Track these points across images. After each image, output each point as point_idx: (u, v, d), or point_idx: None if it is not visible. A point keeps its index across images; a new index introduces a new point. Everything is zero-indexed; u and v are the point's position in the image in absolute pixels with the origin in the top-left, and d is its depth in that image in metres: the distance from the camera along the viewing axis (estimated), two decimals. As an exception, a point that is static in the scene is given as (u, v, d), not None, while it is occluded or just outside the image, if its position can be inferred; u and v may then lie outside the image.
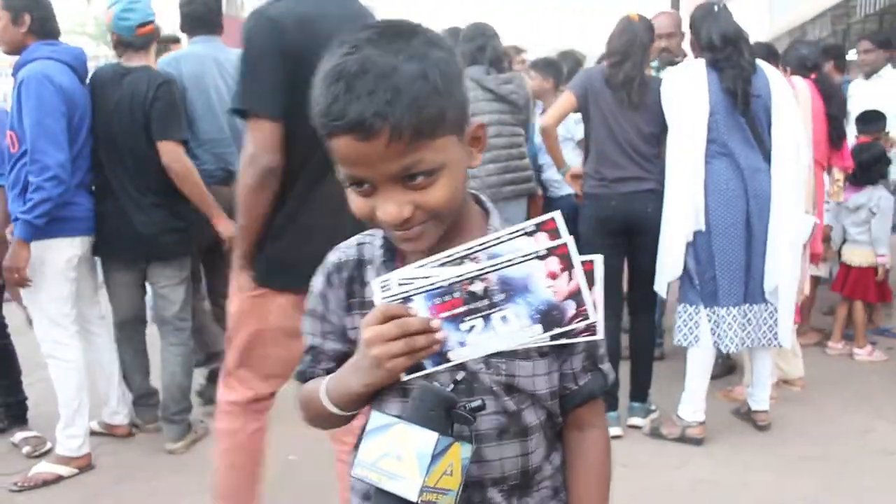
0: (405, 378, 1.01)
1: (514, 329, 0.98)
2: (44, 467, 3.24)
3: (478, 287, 0.96)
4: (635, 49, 3.56)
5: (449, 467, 0.94)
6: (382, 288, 0.98)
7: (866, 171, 4.66)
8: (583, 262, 0.97)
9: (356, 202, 1.01)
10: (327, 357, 1.16)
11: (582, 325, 0.98)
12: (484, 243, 0.97)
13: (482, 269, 0.95)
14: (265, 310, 2.19)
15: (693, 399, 3.55)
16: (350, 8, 2.18)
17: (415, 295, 0.97)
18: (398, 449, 0.94)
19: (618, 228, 3.56)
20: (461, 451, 0.96)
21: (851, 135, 4.89)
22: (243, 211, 2.13)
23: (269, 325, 2.20)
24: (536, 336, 0.98)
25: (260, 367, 2.27)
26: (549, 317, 0.97)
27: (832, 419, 3.82)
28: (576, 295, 0.97)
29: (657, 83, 3.62)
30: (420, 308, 0.97)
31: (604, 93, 3.57)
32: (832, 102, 4.21)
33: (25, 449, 3.47)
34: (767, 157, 3.42)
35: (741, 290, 3.43)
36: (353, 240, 1.16)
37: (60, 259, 3.20)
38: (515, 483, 1.09)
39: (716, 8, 3.53)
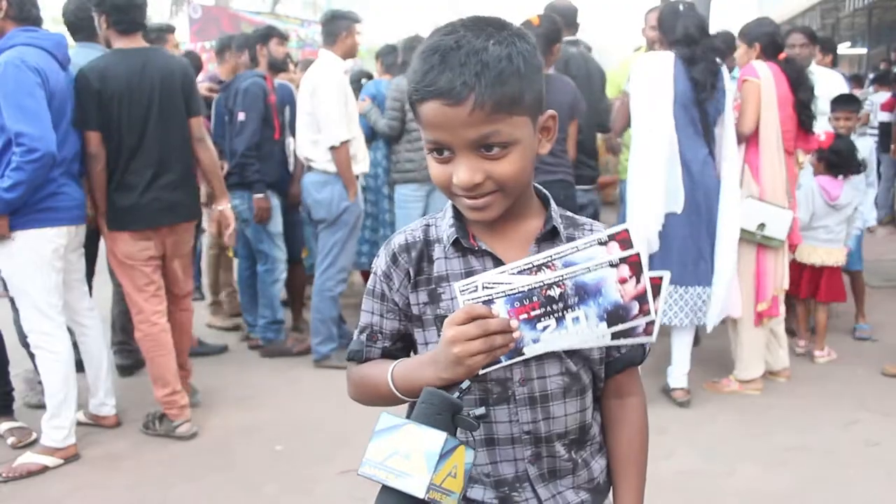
0: (482, 372, 1.09)
1: (583, 328, 1.07)
2: (29, 458, 3.23)
3: (555, 292, 1.04)
4: None
5: (453, 469, 0.98)
6: (464, 290, 1.06)
7: (847, 162, 4.50)
8: (652, 278, 1.08)
9: (435, 169, 1.11)
10: (384, 336, 1.24)
11: (642, 321, 1.08)
12: (561, 252, 1.06)
13: (561, 275, 1.04)
14: (116, 242, 3.48)
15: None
16: (148, 65, 3.43)
17: (497, 298, 1.05)
18: (407, 448, 0.98)
19: None
20: (465, 456, 1.00)
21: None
22: (91, 180, 3.42)
23: (119, 253, 3.48)
24: (602, 332, 1.08)
25: (131, 282, 3.50)
26: (615, 315, 1.07)
27: (817, 411, 3.84)
28: (640, 296, 1.06)
29: (561, 81, 3.85)
30: (500, 310, 1.05)
31: None
32: (801, 87, 4.04)
33: (10, 440, 3.45)
34: (711, 151, 3.73)
35: (684, 272, 3.69)
36: (418, 222, 1.24)
37: (47, 249, 3.18)
38: (574, 437, 1.22)
39: (681, 7, 3.75)
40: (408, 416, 1.04)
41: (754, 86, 3.93)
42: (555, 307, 1.05)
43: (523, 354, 1.09)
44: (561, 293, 1.04)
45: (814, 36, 5.41)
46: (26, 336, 3.33)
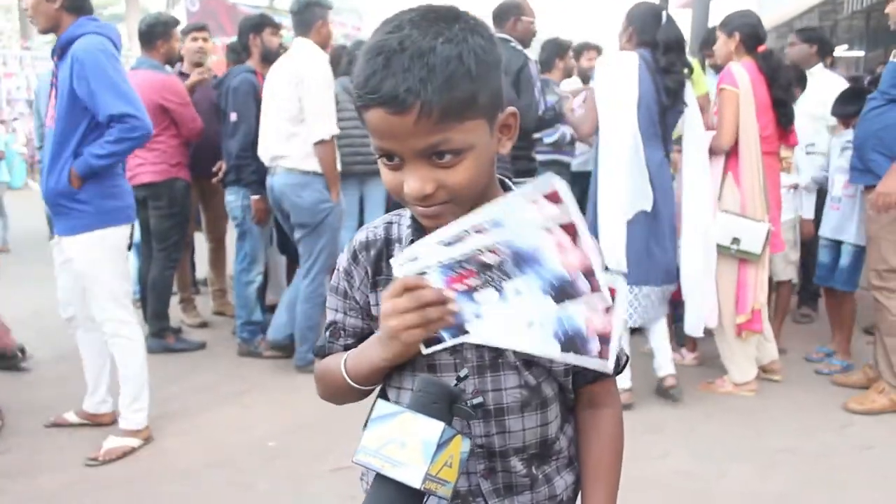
0: (425, 352, 1.06)
1: (526, 301, 0.99)
2: (115, 442, 3.31)
3: (490, 258, 0.98)
4: None
5: (449, 459, 0.96)
6: (403, 265, 1.02)
7: None
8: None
9: (386, 175, 1.04)
10: (346, 333, 1.20)
11: (596, 298, 0.97)
12: (490, 216, 0.98)
13: (493, 239, 0.97)
14: None
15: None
16: None
17: (430, 269, 1.00)
18: (403, 436, 0.96)
19: None
20: (461, 445, 0.98)
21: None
22: None
23: None
24: (549, 308, 0.98)
25: None
26: (561, 291, 0.98)
27: (811, 413, 3.84)
28: (586, 270, 0.96)
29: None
30: (435, 281, 1.00)
31: None
32: (775, 83, 3.91)
33: None
34: (667, 154, 3.80)
35: (645, 272, 3.72)
36: (381, 219, 1.19)
37: (122, 242, 3.30)
38: (535, 452, 1.16)
39: (664, 14, 3.76)
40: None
41: (732, 97, 3.82)
42: (491, 275, 0.98)
43: (467, 332, 1.03)
44: (497, 260, 0.98)
45: (809, 36, 5.21)
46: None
